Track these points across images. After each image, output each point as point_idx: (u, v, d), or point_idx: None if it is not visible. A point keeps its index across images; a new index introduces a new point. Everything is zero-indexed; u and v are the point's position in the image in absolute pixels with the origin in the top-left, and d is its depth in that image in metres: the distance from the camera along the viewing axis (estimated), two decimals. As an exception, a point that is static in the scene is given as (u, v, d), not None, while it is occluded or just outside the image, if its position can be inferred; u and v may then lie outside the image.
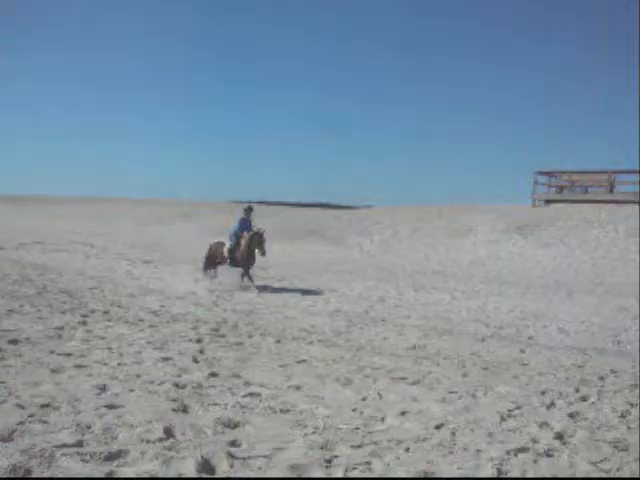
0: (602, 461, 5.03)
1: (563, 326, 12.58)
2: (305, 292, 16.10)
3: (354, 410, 6.20)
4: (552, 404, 6.74)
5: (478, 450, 5.12)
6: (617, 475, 4.77)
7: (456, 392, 7.03)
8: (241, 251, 16.81)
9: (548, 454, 5.11)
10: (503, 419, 6.05)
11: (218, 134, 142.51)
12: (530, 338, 11.27)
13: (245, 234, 16.97)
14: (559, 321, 13.20)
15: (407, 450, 5.08)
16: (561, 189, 37.02)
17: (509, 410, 6.37)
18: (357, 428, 5.61)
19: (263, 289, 16.40)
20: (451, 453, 5.06)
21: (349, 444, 5.17)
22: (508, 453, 5.04)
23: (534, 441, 5.41)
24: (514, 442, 5.34)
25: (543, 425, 5.90)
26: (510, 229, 29.70)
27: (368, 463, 4.75)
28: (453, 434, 5.52)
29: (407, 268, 24.80)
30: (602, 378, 8.23)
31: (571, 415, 6.33)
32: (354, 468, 4.65)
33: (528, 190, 36.20)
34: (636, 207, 31.37)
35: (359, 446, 5.15)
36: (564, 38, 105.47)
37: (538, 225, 29.88)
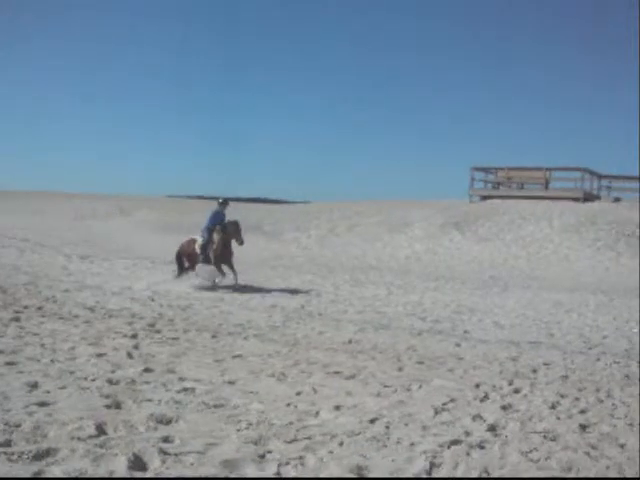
0: (531, 451, 5.16)
1: (498, 320, 12.79)
2: (242, 287, 16.04)
3: (288, 405, 6.24)
4: (486, 397, 6.88)
5: (412, 443, 5.20)
6: (546, 464, 4.89)
7: (391, 386, 7.12)
8: (215, 246, 15.85)
9: (480, 446, 5.22)
10: (437, 412, 6.15)
11: (155, 128, 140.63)
12: (466, 332, 11.43)
13: (217, 227, 16.08)
14: (494, 315, 13.42)
15: (341, 444, 5.13)
16: (498, 185, 37.58)
17: (443, 403, 6.48)
18: (291, 423, 5.64)
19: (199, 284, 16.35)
20: (385, 447, 5.12)
21: (283, 439, 5.20)
22: (441, 446, 5.13)
23: (467, 433, 5.53)
24: (447, 435, 5.45)
25: (476, 418, 6.02)
26: (447, 224, 30.08)
27: (301, 458, 4.78)
28: (387, 428, 5.59)
29: (344, 263, 24.92)
30: (535, 371, 8.42)
31: (504, 407, 6.48)
32: (287, 463, 4.68)
33: (466, 186, 36.64)
34: (570, 203, 32.11)
35: (293, 441, 5.18)
36: (492, 26, 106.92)
37: (475, 221, 30.32)
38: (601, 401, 7.00)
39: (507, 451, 5.13)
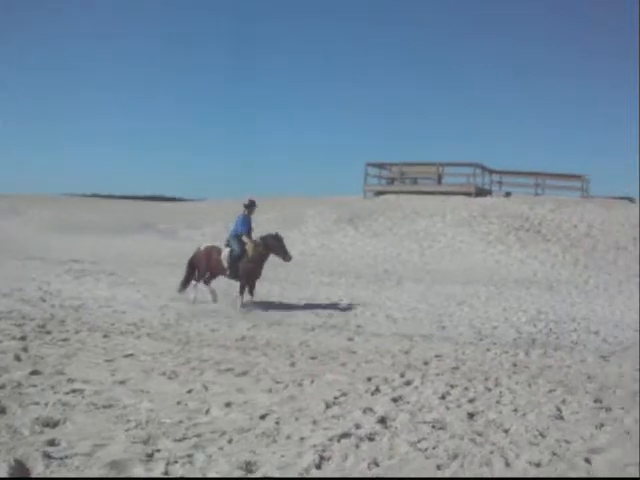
0: (420, 441, 5.31)
1: (391, 314, 13.03)
2: (136, 286, 15.80)
3: (179, 403, 6.23)
4: (377, 390, 7.01)
5: (301, 438, 5.27)
6: (434, 453, 5.03)
7: (283, 382, 7.17)
8: (248, 260, 13.48)
9: (370, 438, 5.34)
10: (328, 406, 6.24)
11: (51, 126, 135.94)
12: (359, 326, 11.59)
13: (247, 238, 13.70)
14: (388, 309, 13.67)
15: (230, 441, 5.15)
16: (392, 180, 38.18)
17: (334, 397, 6.57)
18: (181, 421, 5.64)
19: (97, 281, 16.04)
20: (274, 442, 5.17)
21: (172, 437, 5.20)
22: (331, 439, 5.22)
23: (357, 426, 5.63)
24: (337, 428, 5.53)
25: (367, 410, 6.14)
26: (341, 220, 30.39)
27: (190, 456, 4.80)
28: (277, 423, 5.64)
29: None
30: (426, 363, 8.63)
31: (394, 399, 6.62)
32: (175, 462, 4.68)
33: (360, 182, 37.06)
34: (462, 197, 32.97)
35: (182, 439, 5.18)
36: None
37: (369, 216, 30.75)
38: (489, 390, 7.24)
39: (396, 442, 5.27)
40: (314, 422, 5.72)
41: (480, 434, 5.58)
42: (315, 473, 4.59)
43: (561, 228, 27.98)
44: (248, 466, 4.64)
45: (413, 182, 37.36)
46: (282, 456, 4.85)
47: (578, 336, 11.44)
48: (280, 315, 12.44)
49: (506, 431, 5.72)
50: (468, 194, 33.75)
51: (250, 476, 4.52)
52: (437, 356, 9.13)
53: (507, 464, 4.90)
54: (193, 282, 14.11)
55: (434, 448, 5.16)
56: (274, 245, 13.63)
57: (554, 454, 5.15)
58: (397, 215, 30.38)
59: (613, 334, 11.75)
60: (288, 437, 5.29)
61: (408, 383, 7.38)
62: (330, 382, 7.25)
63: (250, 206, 14.18)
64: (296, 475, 4.52)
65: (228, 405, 6.18)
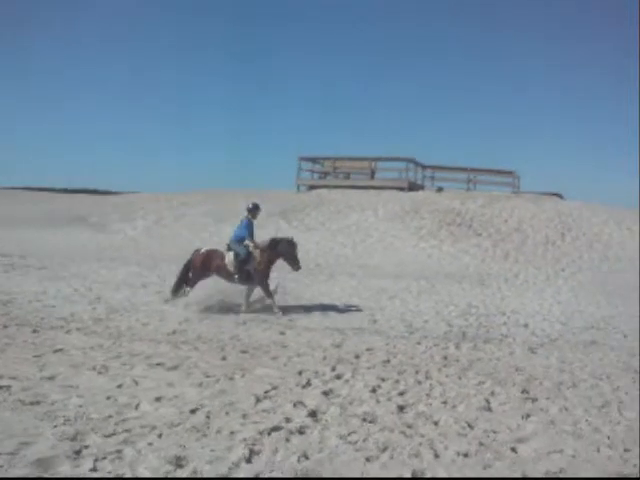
0: (350, 434, 5.37)
1: (324, 307, 13.07)
2: (66, 280, 15.52)
3: (108, 398, 6.18)
4: (308, 383, 7.06)
5: (232, 432, 5.28)
6: (364, 446, 5.09)
7: (214, 376, 7.17)
8: (258, 264, 12.86)
9: (300, 431, 5.38)
10: (259, 400, 6.26)
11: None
12: (290, 320, 11.60)
13: (251, 242, 13.01)
14: (320, 303, 13.70)
15: (160, 436, 5.14)
16: (324, 175, 38.26)
17: (265, 391, 6.60)
18: (110, 416, 5.60)
19: (26, 276, 15.70)
20: (205, 436, 5.18)
21: (101, 433, 5.16)
22: (261, 433, 5.25)
23: (287, 420, 5.67)
24: (268, 422, 5.56)
25: (297, 404, 6.18)
26: (274, 214, 30.31)
27: (119, 451, 4.78)
28: (208, 417, 5.65)
29: (171, 253, 24.62)
30: (358, 356, 8.70)
31: (325, 393, 6.67)
32: (104, 458, 4.65)
33: (293, 176, 37.08)
34: (395, 192, 33.27)
35: (111, 435, 5.15)
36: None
37: (301, 210, 30.79)
38: (419, 383, 7.36)
39: (326, 435, 5.32)
40: (244, 416, 5.74)
41: (410, 426, 5.68)
42: (245, 467, 4.60)
43: (492, 223, 28.47)
44: (178, 461, 4.64)
45: (346, 177, 37.53)
46: (212, 450, 4.86)
47: (507, 329, 11.67)
48: (213, 309, 12.37)
49: (435, 423, 5.83)
50: (401, 189, 34.06)
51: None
52: (368, 349, 9.21)
53: (436, 455, 5.00)
54: (187, 288, 13.30)
55: (364, 441, 5.23)
56: (286, 252, 13.06)
57: (481, 444, 5.28)
58: (330, 209, 30.49)
59: (541, 327, 12.03)
60: (218, 431, 5.30)
61: (339, 377, 7.45)
62: (261, 376, 7.27)
63: (253, 210, 13.47)
64: (225, 470, 4.53)
65: (158, 400, 6.16)
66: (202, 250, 13.61)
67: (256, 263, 12.84)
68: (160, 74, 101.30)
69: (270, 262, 13.04)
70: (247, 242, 13.01)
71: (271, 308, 12.37)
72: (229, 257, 13.01)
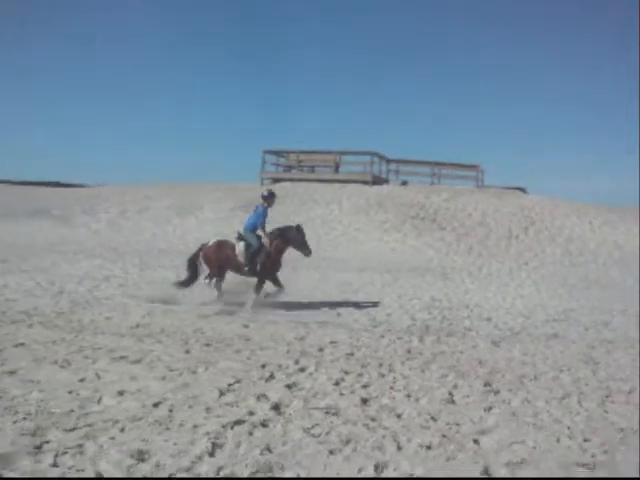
0: (313, 427, 5.39)
1: (287, 301, 13.05)
2: (28, 273, 15.35)
3: (70, 392, 6.13)
4: (271, 376, 7.06)
5: (195, 425, 5.28)
6: (327, 439, 5.12)
7: (177, 369, 7.15)
8: (268, 254, 12.61)
9: (263, 424, 5.39)
10: (222, 394, 6.25)
11: None
12: (254, 314, 11.58)
13: (263, 231, 12.72)
14: (284, 296, 13.67)
15: (122, 430, 5.12)
16: (289, 168, 38.29)
17: (229, 384, 6.59)
18: (72, 411, 5.56)
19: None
20: (167, 430, 5.16)
21: (62, 428, 5.13)
22: (224, 426, 5.25)
23: (251, 413, 5.68)
24: (231, 415, 5.57)
25: (261, 397, 6.19)
26: (237, 207, 30.26)
27: (80, 446, 4.75)
28: (171, 411, 5.63)
29: (134, 247, 24.50)
30: (321, 349, 8.72)
31: (288, 386, 6.68)
32: (64, 452, 4.62)
33: (258, 169, 36.99)
34: (359, 186, 33.39)
35: (72, 429, 5.11)
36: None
37: (266, 203, 30.68)
38: (383, 375, 7.39)
39: (290, 428, 5.34)
40: (208, 409, 5.73)
41: (373, 419, 5.72)
42: (208, 460, 4.60)
43: (456, 217, 28.72)
44: (140, 455, 4.62)
45: (310, 170, 37.61)
46: (175, 444, 4.85)
47: (471, 322, 11.77)
48: (176, 303, 12.31)
49: (399, 416, 5.87)
50: (365, 182, 34.21)
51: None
52: (332, 343, 9.24)
53: (399, 447, 5.04)
54: (205, 280, 13.02)
55: (327, 434, 5.25)
56: (294, 239, 12.82)
57: (444, 436, 5.33)
58: (294, 203, 30.49)
59: (504, 320, 12.15)
60: (181, 425, 5.29)
61: (302, 370, 7.46)
62: (224, 369, 7.26)
63: (270, 197, 13.07)
64: (188, 463, 4.52)
65: (121, 393, 6.12)
66: (211, 242, 13.20)
67: (268, 253, 12.60)
68: (125, 69, 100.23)
69: (280, 251, 12.84)
70: (259, 232, 12.74)
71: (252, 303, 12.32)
72: (239, 247, 12.70)
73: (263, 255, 12.57)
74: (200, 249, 13.16)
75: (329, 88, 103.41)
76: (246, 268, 12.65)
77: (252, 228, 12.79)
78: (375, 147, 35.99)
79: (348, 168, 37.13)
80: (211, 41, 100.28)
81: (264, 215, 12.76)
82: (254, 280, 12.76)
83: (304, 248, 12.86)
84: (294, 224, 13.13)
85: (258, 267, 12.61)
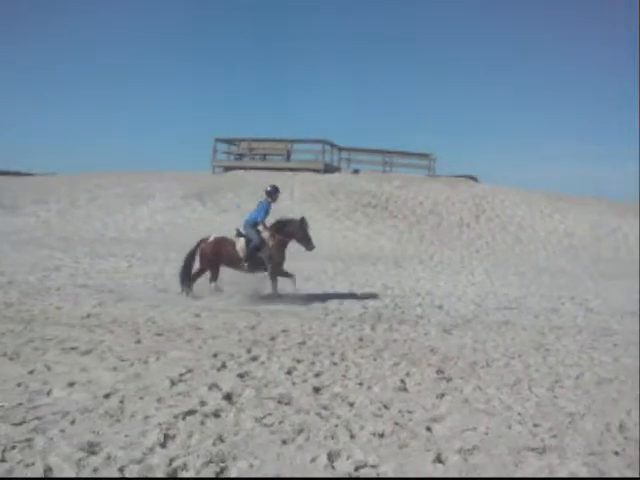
0: (266, 416, 5.39)
1: (239, 290, 12.96)
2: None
3: (19, 385, 6.03)
4: (223, 366, 7.04)
5: (146, 416, 5.24)
6: (280, 428, 5.13)
7: (128, 360, 7.08)
8: (271, 249, 12.50)
9: (216, 414, 5.38)
10: (173, 384, 6.22)
11: None
12: (206, 303, 11.51)
13: (264, 226, 12.58)
14: (236, 285, 13.62)
15: (73, 422, 5.06)
16: (240, 156, 38.14)
17: (180, 374, 6.56)
18: (20, 404, 5.47)
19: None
20: (118, 421, 5.12)
21: (10, 422, 5.04)
22: (176, 417, 5.23)
23: (203, 403, 5.66)
24: (183, 405, 5.54)
25: (212, 387, 6.17)
26: (189, 196, 30.11)
27: (29, 440, 4.68)
28: (122, 402, 5.58)
29: (85, 236, 24.23)
30: (273, 338, 8.72)
31: (240, 375, 6.68)
32: (13, 447, 4.54)
33: (209, 157, 36.84)
34: (311, 174, 33.40)
35: (21, 423, 5.03)
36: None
37: (216, 192, 30.61)
38: (335, 364, 7.42)
39: (242, 418, 5.34)
40: (159, 400, 5.69)
41: (326, 408, 5.74)
42: (160, 452, 4.57)
43: (407, 205, 28.91)
44: (91, 447, 4.57)
45: (262, 158, 37.51)
46: (126, 435, 4.81)
47: (423, 310, 11.88)
48: (127, 292, 12.20)
49: (351, 404, 5.90)
50: (317, 171, 34.25)
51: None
52: (284, 331, 9.25)
53: (352, 436, 5.07)
54: (212, 283, 12.68)
55: (280, 423, 5.26)
56: (297, 232, 12.68)
57: (397, 424, 5.38)
58: (245, 191, 30.37)
59: (456, 308, 12.29)
60: (132, 416, 5.24)
61: (254, 359, 7.45)
62: (176, 359, 7.22)
63: (274, 192, 13.00)
64: (140, 455, 4.49)
65: (71, 385, 6.05)
66: (211, 238, 12.97)
67: (271, 248, 12.49)
68: (73, 64, 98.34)
69: (282, 245, 12.72)
70: (261, 227, 12.59)
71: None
72: (240, 243, 12.55)
73: (267, 250, 12.45)
74: (198, 244, 12.93)
75: (282, 75, 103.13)
76: (246, 264, 12.53)
77: (252, 223, 12.63)
78: (328, 136, 35.95)
79: (300, 156, 37.18)
80: (155, 24, 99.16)
81: (266, 210, 12.61)
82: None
83: (307, 241, 12.73)
84: (297, 217, 13.07)
85: (267, 263, 12.46)
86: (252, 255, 12.41)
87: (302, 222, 12.74)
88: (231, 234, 12.71)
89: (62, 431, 4.87)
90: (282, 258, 12.72)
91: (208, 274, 12.75)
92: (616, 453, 5.03)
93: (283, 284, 12.51)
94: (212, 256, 12.61)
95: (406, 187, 31.08)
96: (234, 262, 12.61)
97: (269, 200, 12.85)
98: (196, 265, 12.77)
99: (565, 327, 10.82)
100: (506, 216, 28.01)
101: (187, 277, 12.64)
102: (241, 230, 12.71)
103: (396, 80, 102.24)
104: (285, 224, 12.76)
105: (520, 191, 31.83)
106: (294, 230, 12.68)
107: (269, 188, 13.07)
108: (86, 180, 34.54)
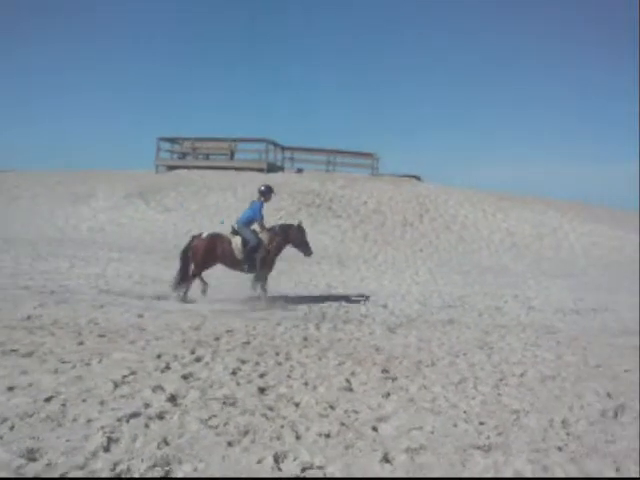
0: (211, 418, 5.35)
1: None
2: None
3: (-44, 390, 5.86)
4: (167, 367, 6.96)
5: (89, 420, 5.15)
6: (225, 430, 5.08)
7: (70, 362, 6.94)
8: (269, 251, 12.47)
9: (160, 417, 5.31)
10: (117, 386, 6.12)
11: None
12: (149, 303, 11.41)
13: (261, 227, 12.60)
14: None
15: (12, 428, 4.93)
16: (184, 155, 37.88)
17: (123, 376, 6.46)
18: (-44, 411, 5.31)
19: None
20: (60, 426, 5.01)
21: (-56, 431, 4.89)
22: (119, 420, 5.14)
23: (147, 405, 5.58)
24: (126, 408, 5.46)
25: (156, 389, 6.09)
26: (132, 195, 29.76)
27: (-34, 447, 4.54)
28: (63, 406, 5.47)
29: (26, 236, 23.76)
30: (217, 338, 8.66)
31: (185, 377, 6.61)
32: (-51, 454, 4.41)
33: (152, 156, 36.54)
34: (254, 173, 33.34)
35: (-43, 430, 4.89)
36: None
37: (160, 191, 30.31)
38: (280, 364, 7.41)
39: (187, 420, 5.28)
40: (102, 403, 5.60)
41: (271, 408, 5.72)
42: (103, 456, 4.50)
43: (351, 204, 29.00)
44: (30, 453, 4.47)
45: (205, 157, 37.32)
46: (68, 440, 4.71)
47: (367, 309, 11.94)
48: (68, 293, 11.99)
49: (297, 404, 5.89)
50: (260, 170, 34.20)
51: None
52: (228, 331, 9.20)
53: (298, 437, 5.06)
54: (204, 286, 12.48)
55: (225, 425, 5.22)
56: (296, 238, 12.69)
57: (343, 424, 5.38)
58: (189, 190, 30.18)
59: (400, 307, 12.39)
60: (74, 420, 5.14)
61: (199, 359, 7.39)
62: (119, 360, 7.11)
63: (267, 192, 13.00)
64: (82, 460, 4.41)
65: (11, 389, 5.89)
66: (204, 235, 12.73)
67: (269, 250, 12.45)
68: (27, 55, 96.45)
69: (279, 249, 12.71)
70: (257, 227, 12.51)
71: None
72: (236, 242, 12.39)
73: (263, 251, 12.39)
74: (191, 241, 12.69)
75: (229, 74, 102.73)
76: (245, 266, 12.45)
77: (246, 222, 12.57)
78: (271, 135, 35.91)
79: (243, 155, 37.12)
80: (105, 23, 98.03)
81: (259, 210, 12.59)
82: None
83: (304, 247, 12.75)
84: (295, 222, 13.12)
85: (258, 263, 12.40)
86: (249, 256, 12.34)
87: (300, 228, 12.76)
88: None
89: (0, 437, 4.76)
90: (274, 262, 12.73)
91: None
92: (559, 449, 5.12)
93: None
94: (205, 253, 12.43)
95: (350, 186, 31.19)
96: (230, 261, 12.52)
97: (262, 200, 12.86)
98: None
99: (509, 325, 10.99)
100: (449, 215, 28.29)
101: (184, 279, 12.48)
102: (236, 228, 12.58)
103: (340, 80, 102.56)
104: (284, 229, 12.79)
105: (464, 190, 32.21)
106: (292, 235, 12.71)
107: (263, 188, 13.06)
108: (26, 178, 33.94)
